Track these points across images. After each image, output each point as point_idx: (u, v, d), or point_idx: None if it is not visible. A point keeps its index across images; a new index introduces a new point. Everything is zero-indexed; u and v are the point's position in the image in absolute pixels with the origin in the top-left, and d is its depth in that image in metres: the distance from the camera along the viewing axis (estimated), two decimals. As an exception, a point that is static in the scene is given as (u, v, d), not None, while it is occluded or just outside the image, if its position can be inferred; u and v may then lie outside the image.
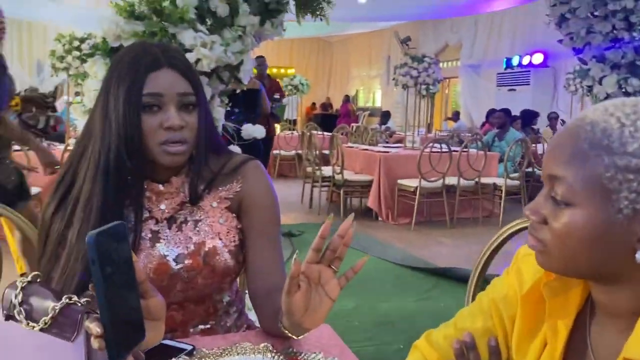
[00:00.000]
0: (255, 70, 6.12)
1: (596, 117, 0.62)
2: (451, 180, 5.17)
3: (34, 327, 0.74)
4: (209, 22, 1.82)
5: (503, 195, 5.36)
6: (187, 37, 1.75)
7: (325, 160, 6.23)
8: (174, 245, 1.03)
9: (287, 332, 0.88)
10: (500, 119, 6.05)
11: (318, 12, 2.09)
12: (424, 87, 6.00)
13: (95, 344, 0.68)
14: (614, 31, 2.46)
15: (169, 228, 1.04)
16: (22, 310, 0.76)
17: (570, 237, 0.62)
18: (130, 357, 0.77)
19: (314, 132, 8.50)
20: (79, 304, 0.75)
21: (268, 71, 6.43)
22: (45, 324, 0.74)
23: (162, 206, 1.04)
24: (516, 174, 5.50)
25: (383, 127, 9.87)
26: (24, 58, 12.70)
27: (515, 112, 7.34)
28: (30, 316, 0.76)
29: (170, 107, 0.98)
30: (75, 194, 0.99)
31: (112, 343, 0.66)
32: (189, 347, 0.92)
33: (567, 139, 0.64)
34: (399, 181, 5.28)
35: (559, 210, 0.63)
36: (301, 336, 0.89)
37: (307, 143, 5.99)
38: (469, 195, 5.47)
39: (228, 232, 1.06)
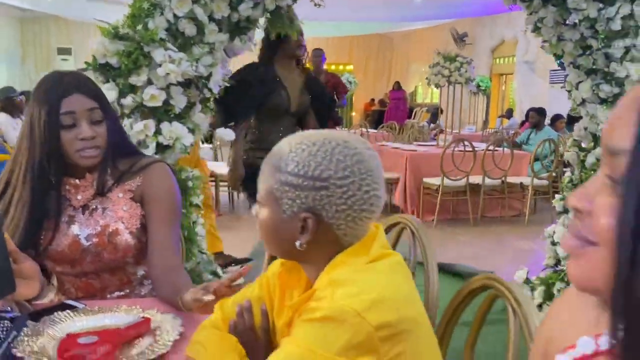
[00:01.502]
0: (310, 65, 6.09)
1: (282, 145, 0.86)
2: (476, 179, 5.25)
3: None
4: (179, 40, 2.12)
5: (529, 194, 5.37)
6: (157, 54, 2.05)
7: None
8: (85, 227, 1.33)
9: (182, 308, 1.16)
10: (533, 119, 6.01)
11: (285, 28, 2.33)
12: (457, 85, 6.07)
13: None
14: (584, 39, 2.53)
15: (83, 214, 1.34)
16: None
17: (262, 228, 0.86)
18: (14, 306, 1.08)
19: (362, 129, 8.72)
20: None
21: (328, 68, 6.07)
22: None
23: (79, 197, 1.34)
24: (546, 174, 5.48)
25: (432, 125, 9.89)
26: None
27: (567, 110, 7.20)
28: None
29: (83, 123, 1.28)
30: (10, 192, 1.31)
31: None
32: (81, 306, 1.21)
33: (265, 160, 0.87)
34: (424, 179, 5.41)
35: (259, 209, 0.87)
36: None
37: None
38: (497, 194, 5.52)
39: (130, 217, 1.35)
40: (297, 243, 0.83)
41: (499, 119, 11.17)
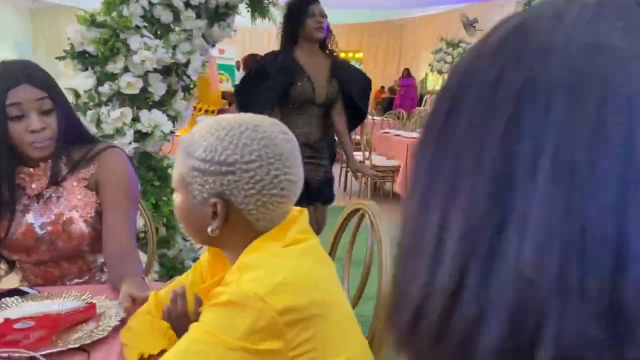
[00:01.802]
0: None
1: (193, 131, 0.84)
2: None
3: None
4: (156, 27, 2.11)
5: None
6: (133, 41, 2.04)
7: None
8: (39, 216, 1.33)
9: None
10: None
11: (265, 14, 2.31)
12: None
13: None
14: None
15: (37, 202, 1.34)
16: None
17: (178, 214, 0.85)
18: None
19: (370, 117, 8.64)
20: None
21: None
22: None
23: (34, 185, 1.34)
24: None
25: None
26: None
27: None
28: None
29: (32, 114, 1.26)
30: None
31: None
32: (33, 292, 1.21)
33: (179, 145, 0.86)
34: (425, 166, 5.36)
35: (175, 195, 0.86)
36: None
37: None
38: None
39: (85, 205, 1.34)
40: (209, 229, 0.82)
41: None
